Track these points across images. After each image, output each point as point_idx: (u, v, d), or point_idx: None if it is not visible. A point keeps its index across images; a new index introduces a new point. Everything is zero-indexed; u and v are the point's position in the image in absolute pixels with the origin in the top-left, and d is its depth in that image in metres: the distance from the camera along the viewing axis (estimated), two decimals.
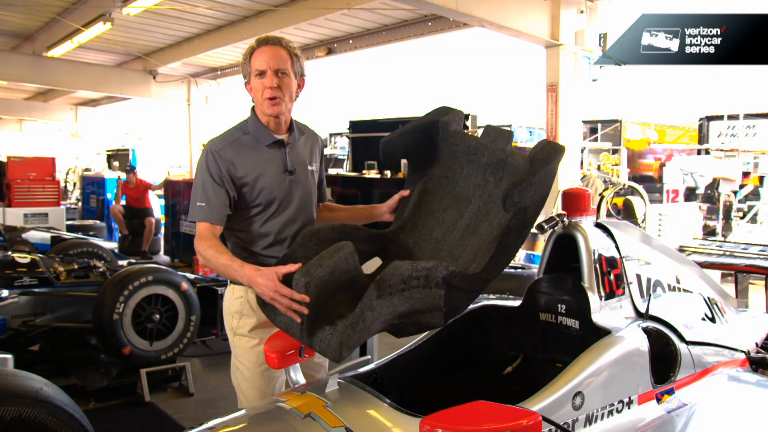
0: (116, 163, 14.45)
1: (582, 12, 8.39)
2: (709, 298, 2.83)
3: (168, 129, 20.41)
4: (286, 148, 2.27)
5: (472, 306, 2.46)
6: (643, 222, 8.34)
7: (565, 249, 2.30)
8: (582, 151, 12.93)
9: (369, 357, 2.30)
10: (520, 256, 8.63)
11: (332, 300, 1.81)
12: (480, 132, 2.29)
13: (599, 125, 16.04)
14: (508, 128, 2.32)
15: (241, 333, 2.26)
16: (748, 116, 15.14)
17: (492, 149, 2.19)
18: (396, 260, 1.81)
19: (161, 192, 10.64)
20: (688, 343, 2.40)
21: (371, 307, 1.72)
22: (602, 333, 2.06)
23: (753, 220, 10.36)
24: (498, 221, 2.08)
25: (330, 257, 1.80)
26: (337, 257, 1.80)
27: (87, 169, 16.04)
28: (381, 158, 2.28)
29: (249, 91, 2.27)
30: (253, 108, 2.29)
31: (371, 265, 2.18)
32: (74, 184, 16.83)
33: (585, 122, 13.80)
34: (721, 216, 11.02)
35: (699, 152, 14.96)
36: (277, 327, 1.93)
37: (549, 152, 2.02)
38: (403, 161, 5.84)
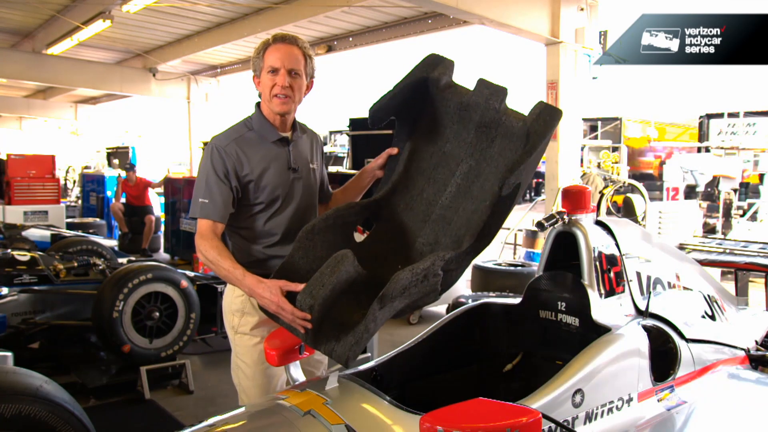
0: (116, 161, 14.45)
1: (582, 9, 8.37)
2: (709, 296, 2.84)
3: (168, 127, 20.39)
4: (290, 146, 2.27)
5: (472, 304, 2.48)
6: (643, 220, 8.33)
7: (565, 247, 2.30)
8: (582, 148, 12.92)
9: (369, 354, 2.30)
10: (520, 254, 8.63)
11: (334, 307, 1.83)
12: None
13: (599, 123, 16.07)
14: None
15: (243, 331, 2.25)
16: (748, 114, 15.16)
17: (485, 108, 2.10)
18: (396, 273, 1.79)
19: (161, 190, 10.65)
20: (688, 340, 2.40)
21: (375, 318, 1.77)
22: (602, 330, 2.06)
23: (753, 217, 10.35)
24: (491, 185, 2.03)
25: (331, 274, 1.80)
26: (338, 272, 1.81)
27: (87, 167, 16.03)
28: (369, 125, 2.17)
29: (257, 86, 2.25)
30: (257, 104, 2.28)
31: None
32: (74, 182, 16.83)
33: (585, 120, 13.81)
34: (721, 214, 11.03)
35: (699, 150, 14.99)
36: (281, 326, 1.94)
37: (546, 121, 1.95)
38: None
